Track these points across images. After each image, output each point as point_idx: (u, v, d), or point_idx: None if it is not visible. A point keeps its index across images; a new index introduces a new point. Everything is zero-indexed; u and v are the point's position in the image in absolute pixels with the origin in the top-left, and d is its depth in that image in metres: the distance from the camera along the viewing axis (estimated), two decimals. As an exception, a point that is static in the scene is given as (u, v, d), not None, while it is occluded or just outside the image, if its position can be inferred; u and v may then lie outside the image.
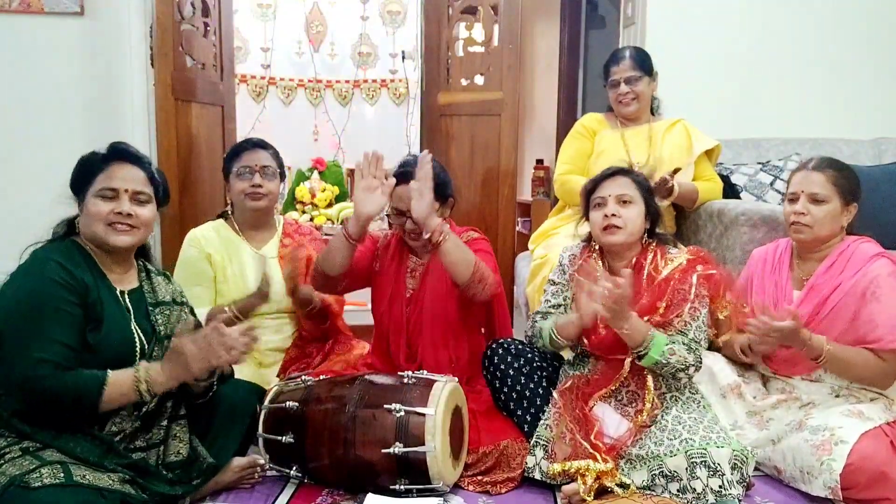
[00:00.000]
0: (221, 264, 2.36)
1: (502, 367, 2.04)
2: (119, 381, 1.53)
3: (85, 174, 1.66)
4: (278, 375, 2.33)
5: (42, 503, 1.36)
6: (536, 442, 1.89)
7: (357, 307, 3.21)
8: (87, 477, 1.45)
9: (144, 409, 1.65)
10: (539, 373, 2.04)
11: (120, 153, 1.68)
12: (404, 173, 2.09)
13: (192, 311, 1.86)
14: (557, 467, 1.78)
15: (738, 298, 2.03)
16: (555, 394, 1.94)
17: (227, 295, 2.33)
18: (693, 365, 1.86)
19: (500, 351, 2.06)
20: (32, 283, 1.55)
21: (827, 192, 1.97)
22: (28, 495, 1.37)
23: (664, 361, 1.82)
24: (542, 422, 1.94)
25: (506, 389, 2.03)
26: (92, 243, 1.66)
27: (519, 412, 2.01)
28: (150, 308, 1.72)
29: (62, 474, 1.42)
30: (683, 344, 1.85)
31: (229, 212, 2.48)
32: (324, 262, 2.09)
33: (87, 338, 1.56)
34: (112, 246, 1.65)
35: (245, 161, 2.39)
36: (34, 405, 1.52)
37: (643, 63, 2.69)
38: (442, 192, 2.13)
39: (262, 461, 1.87)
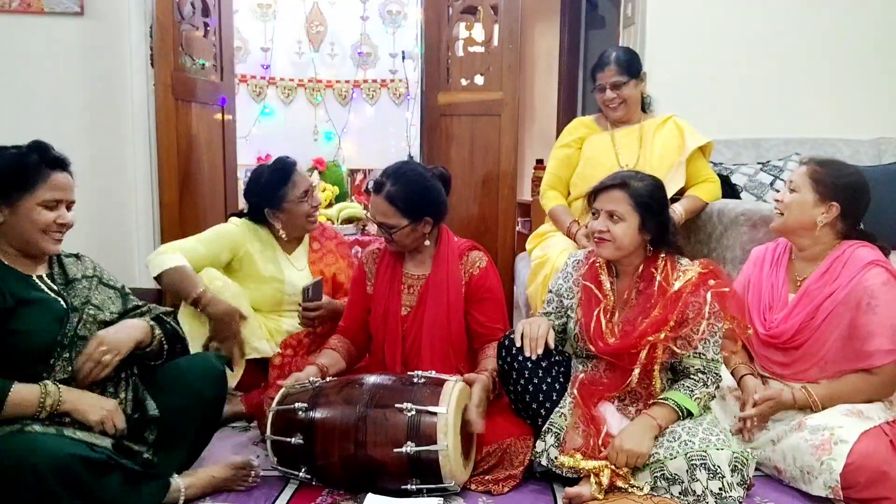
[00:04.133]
0: (257, 260, 2.41)
1: (520, 358, 1.95)
2: (22, 396, 1.55)
3: (22, 179, 1.65)
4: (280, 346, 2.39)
5: (38, 443, 1.48)
6: (549, 428, 1.87)
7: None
8: (78, 434, 1.58)
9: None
10: (557, 368, 2.01)
11: (60, 162, 1.71)
12: (376, 184, 2.12)
13: (114, 286, 1.86)
14: (567, 460, 1.77)
15: (738, 308, 2.03)
16: (572, 388, 1.94)
17: (260, 287, 2.41)
18: (714, 385, 1.89)
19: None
20: None
21: (800, 182, 1.99)
22: (25, 436, 1.49)
23: (699, 405, 1.85)
24: (557, 409, 1.92)
25: (522, 381, 1.97)
26: (13, 246, 1.68)
27: (534, 405, 1.96)
28: (62, 286, 1.74)
29: (53, 430, 1.55)
30: (701, 372, 1.87)
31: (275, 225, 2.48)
32: None
33: (11, 328, 1.59)
34: (45, 252, 1.70)
35: (305, 187, 2.42)
36: None
37: (628, 66, 2.62)
38: (411, 210, 2.07)
39: (256, 463, 1.86)
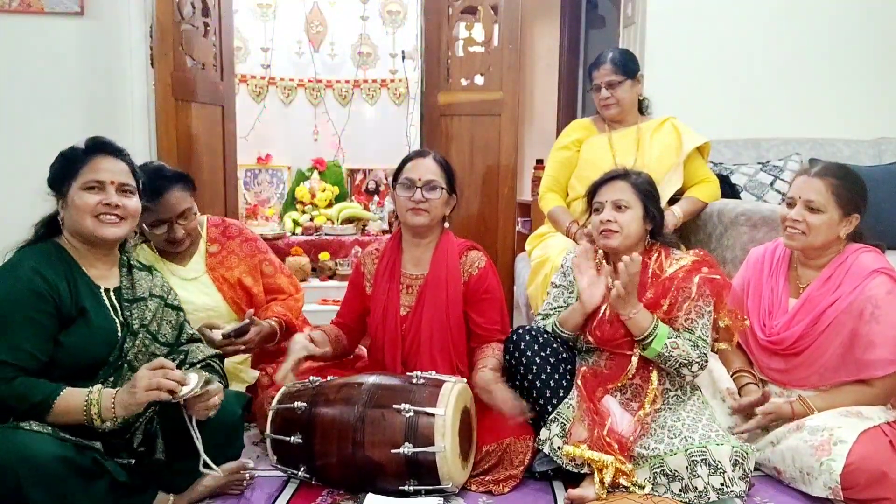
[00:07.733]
0: None
1: (528, 353, 1.98)
2: (70, 399, 1.52)
3: (67, 168, 1.67)
4: (253, 367, 2.35)
5: (25, 442, 1.44)
6: (556, 418, 1.89)
7: (333, 306, 3.21)
8: (70, 434, 1.52)
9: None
10: (564, 364, 2.01)
11: (101, 146, 1.70)
12: (419, 151, 2.26)
13: (178, 307, 1.86)
14: (571, 449, 1.78)
15: (736, 308, 2.03)
16: (578, 381, 1.95)
17: None
18: (696, 362, 1.87)
19: (528, 338, 2.00)
20: (5, 289, 1.56)
21: (824, 200, 1.93)
22: (16, 434, 1.45)
23: (666, 354, 1.85)
24: (566, 401, 1.93)
25: (530, 377, 1.98)
26: (77, 238, 1.68)
27: (541, 401, 1.97)
28: (127, 304, 1.73)
29: (49, 428, 1.50)
30: (689, 341, 1.87)
31: (140, 238, 2.20)
32: None
33: (61, 339, 1.58)
34: (101, 238, 1.67)
35: (162, 214, 2.12)
36: None
37: (625, 66, 2.63)
38: (449, 180, 2.19)
39: (251, 464, 1.84)
